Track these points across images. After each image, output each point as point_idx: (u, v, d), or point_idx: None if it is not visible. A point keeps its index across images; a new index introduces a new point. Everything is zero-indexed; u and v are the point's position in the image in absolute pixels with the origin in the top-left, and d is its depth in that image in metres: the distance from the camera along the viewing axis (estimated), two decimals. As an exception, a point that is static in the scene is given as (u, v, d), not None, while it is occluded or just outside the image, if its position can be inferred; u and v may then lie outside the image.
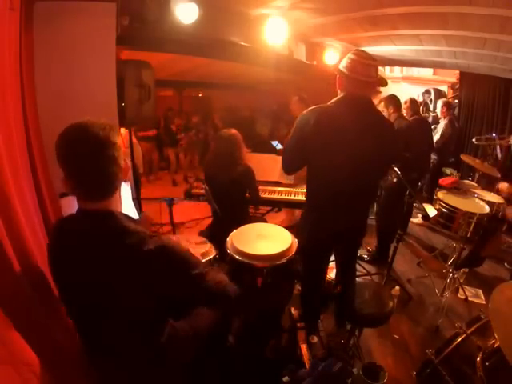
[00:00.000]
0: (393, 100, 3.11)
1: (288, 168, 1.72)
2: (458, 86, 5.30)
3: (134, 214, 1.81)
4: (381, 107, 3.08)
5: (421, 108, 5.27)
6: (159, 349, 1.01)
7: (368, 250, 3.27)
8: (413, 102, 3.40)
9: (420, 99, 5.99)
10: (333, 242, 1.73)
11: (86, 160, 0.84)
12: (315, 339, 1.65)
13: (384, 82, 1.57)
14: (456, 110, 4.99)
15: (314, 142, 1.48)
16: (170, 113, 6.61)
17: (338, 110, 1.50)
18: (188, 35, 2.42)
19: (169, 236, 1.95)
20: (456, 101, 5.22)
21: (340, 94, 1.55)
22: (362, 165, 1.47)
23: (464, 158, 3.67)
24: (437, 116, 4.79)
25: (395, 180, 2.89)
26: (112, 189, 0.91)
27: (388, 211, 3.09)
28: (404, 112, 3.37)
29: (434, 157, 4.11)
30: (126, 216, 0.95)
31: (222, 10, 2.58)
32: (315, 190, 1.65)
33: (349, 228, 1.64)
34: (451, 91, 5.75)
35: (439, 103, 4.49)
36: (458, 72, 5.15)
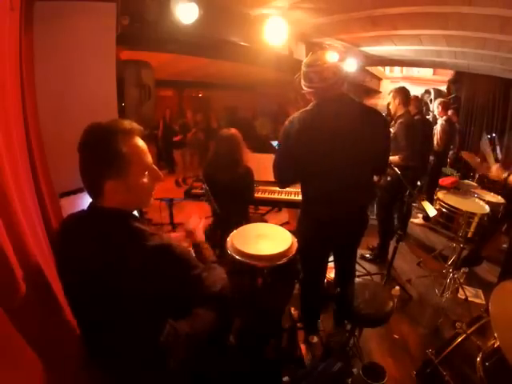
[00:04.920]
0: (402, 92, 2.93)
1: (282, 179, 1.70)
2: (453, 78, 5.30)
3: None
4: (389, 98, 3.01)
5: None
6: (159, 349, 1.01)
7: (369, 249, 3.27)
8: (416, 99, 3.38)
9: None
10: (330, 242, 1.73)
11: (82, 161, 0.90)
12: (315, 339, 1.65)
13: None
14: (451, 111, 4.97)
15: (302, 144, 1.51)
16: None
17: (319, 110, 1.53)
18: (188, 35, 2.42)
19: (170, 235, 1.96)
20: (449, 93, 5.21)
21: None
22: (352, 160, 1.50)
23: (465, 155, 3.66)
24: (435, 116, 4.79)
25: (389, 179, 2.89)
26: (99, 192, 0.91)
27: (384, 210, 3.10)
28: None
29: (432, 157, 4.11)
30: (131, 214, 0.97)
31: (222, 10, 2.58)
32: (309, 191, 1.66)
33: (345, 227, 1.64)
34: (450, 88, 5.73)
35: (436, 103, 4.48)
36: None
